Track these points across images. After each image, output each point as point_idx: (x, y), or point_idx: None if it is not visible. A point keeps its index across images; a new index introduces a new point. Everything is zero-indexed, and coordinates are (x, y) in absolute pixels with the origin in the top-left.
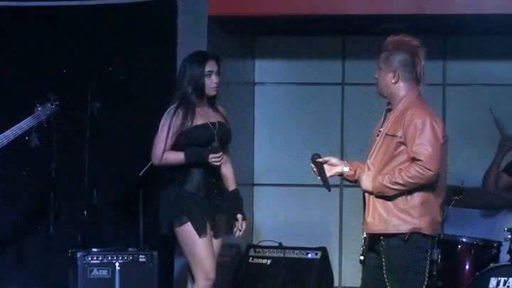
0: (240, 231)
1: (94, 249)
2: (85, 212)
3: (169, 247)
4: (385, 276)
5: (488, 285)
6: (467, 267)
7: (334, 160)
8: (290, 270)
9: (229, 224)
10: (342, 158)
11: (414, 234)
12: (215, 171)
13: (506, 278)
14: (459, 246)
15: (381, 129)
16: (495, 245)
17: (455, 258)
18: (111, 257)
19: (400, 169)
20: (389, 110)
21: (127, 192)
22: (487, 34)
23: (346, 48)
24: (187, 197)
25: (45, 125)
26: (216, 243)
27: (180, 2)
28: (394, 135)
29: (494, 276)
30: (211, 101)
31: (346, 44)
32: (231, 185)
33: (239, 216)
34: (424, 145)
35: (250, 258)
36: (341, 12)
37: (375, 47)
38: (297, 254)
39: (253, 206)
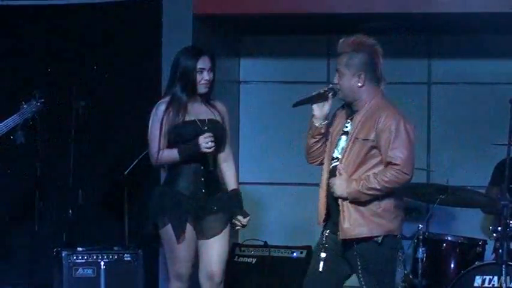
0: (242, 226)
1: (79, 248)
2: (70, 211)
3: (154, 246)
4: (361, 278)
5: (473, 283)
6: (452, 265)
7: (327, 108)
8: (275, 269)
9: (226, 223)
10: None
11: (388, 236)
12: (205, 170)
13: (491, 277)
14: (444, 245)
15: (346, 130)
16: (480, 243)
17: (440, 257)
18: (96, 256)
19: (376, 174)
20: (352, 111)
21: (112, 191)
22: (472, 32)
23: (331, 46)
24: (172, 197)
25: (31, 123)
26: (211, 243)
27: (165, 1)
28: (366, 139)
29: (480, 274)
30: (207, 98)
31: (331, 42)
32: (232, 185)
33: (239, 217)
34: (400, 149)
35: (236, 257)
36: (326, 10)
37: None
38: (282, 253)
39: None
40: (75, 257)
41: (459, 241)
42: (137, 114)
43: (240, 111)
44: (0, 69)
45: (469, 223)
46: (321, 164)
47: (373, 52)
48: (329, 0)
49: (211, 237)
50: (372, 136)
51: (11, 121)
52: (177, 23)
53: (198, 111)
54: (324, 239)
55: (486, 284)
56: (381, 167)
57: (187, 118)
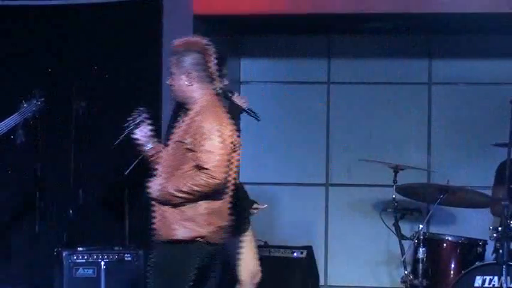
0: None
1: (80, 249)
2: (71, 211)
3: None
4: (149, 273)
5: (473, 283)
6: (452, 266)
7: (147, 131)
8: (276, 270)
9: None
10: (327, 157)
11: (197, 241)
12: None
13: (491, 277)
14: (444, 245)
15: None
16: (480, 243)
17: (440, 257)
18: (97, 256)
19: (186, 177)
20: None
21: (112, 191)
22: (472, 33)
23: (332, 47)
24: None
25: (31, 122)
26: (243, 241)
27: (165, 1)
28: (182, 142)
29: (480, 274)
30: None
31: (331, 43)
32: None
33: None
34: (211, 153)
35: None
36: (326, 11)
37: (360, 46)
38: (282, 253)
39: None
40: (75, 257)
41: (460, 241)
42: None
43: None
44: (0, 69)
45: (469, 223)
46: None
47: (204, 51)
48: (329, 0)
49: (242, 234)
50: (188, 139)
51: (11, 121)
52: (177, 23)
53: None
54: None
55: (486, 284)
56: (194, 171)
57: None
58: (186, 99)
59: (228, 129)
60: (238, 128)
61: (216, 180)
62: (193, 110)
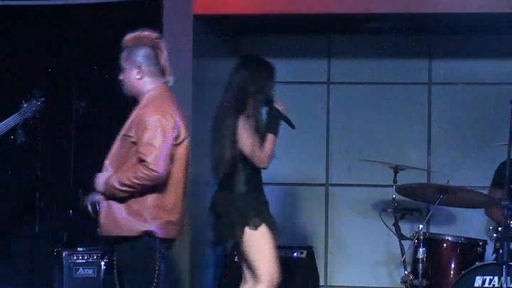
0: None
1: (80, 249)
2: (70, 211)
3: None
4: (115, 276)
5: (473, 284)
6: (452, 266)
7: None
8: None
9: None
10: (327, 157)
11: (146, 236)
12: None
13: (491, 277)
14: (444, 245)
15: None
16: (480, 243)
17: (440, 257)
18: (97, 256)
19: (128, 169)
20: None
21: None
22: (473, 33)
23: (332, 47)
24: (258, 200)
25: (31, 122)
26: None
27: (165, 1)
28: (127, 135)
29: (480, 275)
30: None
31: (331, 43)
32: None
33: None
34: (150, 145)
35: (236, 257)
36: (326, 11)
37: (360, 46)
38: (282, 252)
39: None
40: (75, 257)
41: (460, 241)
42: None
43: None
44: (0, 69)
45: (469, 223)
46: None
47: (155, 46)
48: (329, 0)
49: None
50: (132, 132)
51: (11, 120)
52: (177, 23)
53: None
54: None
55: (486, 284)
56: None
57: None
58: (138, 93)
59: (171, 122)
60: (277, 133)
61: (155, 173)
62: (140, 104)
